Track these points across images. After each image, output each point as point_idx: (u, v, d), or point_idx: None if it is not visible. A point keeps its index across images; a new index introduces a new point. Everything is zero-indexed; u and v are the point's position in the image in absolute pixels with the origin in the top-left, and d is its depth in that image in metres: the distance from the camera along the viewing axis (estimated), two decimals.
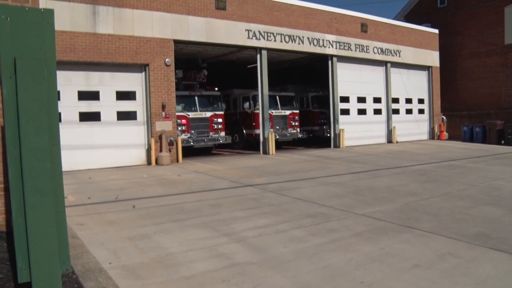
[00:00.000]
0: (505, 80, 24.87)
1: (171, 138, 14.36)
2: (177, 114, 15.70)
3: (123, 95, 13.99)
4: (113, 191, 9.63)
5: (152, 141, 13.96)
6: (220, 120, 17.82)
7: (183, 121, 16.68)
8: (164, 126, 14.23)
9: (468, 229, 6.40)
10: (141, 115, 14.23)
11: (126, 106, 14.02)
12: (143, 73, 14.22)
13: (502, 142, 21.94)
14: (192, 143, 16.71)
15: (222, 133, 17.94)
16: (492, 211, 7.57)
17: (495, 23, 24.99)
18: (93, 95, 13.51)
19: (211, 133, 17.51)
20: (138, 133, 14.15)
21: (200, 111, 17.39)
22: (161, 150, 14.11)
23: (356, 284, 4.35)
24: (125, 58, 13.66)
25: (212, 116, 17.61)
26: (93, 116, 13.48)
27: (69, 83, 12.94)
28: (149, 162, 14.09)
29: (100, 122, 13.56)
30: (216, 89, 18.75)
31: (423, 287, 4.29)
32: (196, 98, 17.48)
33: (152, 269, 4.77)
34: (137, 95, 14.20)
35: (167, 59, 14.34)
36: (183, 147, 15.71)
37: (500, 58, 24.96)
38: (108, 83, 13.70)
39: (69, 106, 12.94)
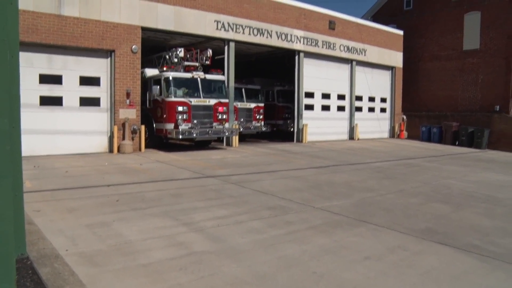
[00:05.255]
0: (462, 84, 25.86)
1: (135, 127, 14.21)
2: (177, 100, 14.54)
3: (87, 81, 13.71)
4: (73, 178, 9.51)
5: (115, 128, 13.78)
6: (225, 109, 15.89)
7: (184, 108, 14.72)
8: (128, 114, 14.06)
9: (418, 224, 6.73)
10: (104, 102, 14.01)
11: (89, 92, 13.76)
12: (109, 59, 13.98)
13: (457, 143, 22.89)
14: (194, 135, 14.65)
15: (227, 124, 16.12)
16: (441, 208, 7.97)
17: (455, 29, 25.91)
18: (56, 79, 13.18)
19: (214, 124, 15.48)
20: (101, 120, 13.93)
21: (204, 97, 15.37)
22: (123, 138, 13.96)
23: (309, 274, 4.54)
24: (91, 43, 13.39)
25: (216, 104, 15.64)
26: (54, 101, 13.17)
27: (30, 65, 12.58)
28: (111, 150, 13.91)
29: (62, 107, 13.27)
30: (220, 72, 16.73)
31: (372, 278, 4.53)
32: (199, 82, 15.32)
33: (110, 257, 4.80)
34: (102, 81, 13.95)
35: (133, 46, 14.16)
36: (185, 139, 14.88)
37: (458, 63, 25.92)
38: (71, 68, 13.40)
39: (29, 89, 12.55)
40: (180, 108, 14.50)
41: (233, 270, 4.56)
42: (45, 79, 12.97)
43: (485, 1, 24.71)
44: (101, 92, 13.95)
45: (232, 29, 17.07)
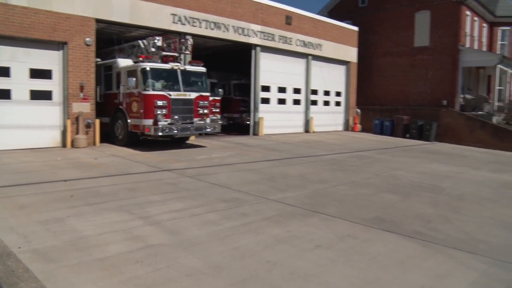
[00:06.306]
0: (412, 79, 26.90)
1: (89, 120, 13.91)
2: (156, 93, 13.37)
3: (37, 73, 13.26)
4: (24, 174, 9.27)
5: (69, 122, 13.46)
6: (206, 103, 14.74)
7: (163, 102, 13.48)
8: (81, 107, 13.76)
9: (367, 213, 7.07)
10: (57, 95, 13.62)
11: (41, 85, 13.32)
12: (61, 51, 13.58)
13: (407, 135, 23.84)
14: (175, 131, 13.62)
15: (208, 119, 14.84)
16: (390, 198, 8.39)
17: (407, 27, 26.91)
18: (3, 71, 12.67)
19: (195, 119, 14.31)
20: (54, 114, 13.54)
21: (184, 90, 14.16)
22: (77, 133, 13.66)
23: (263, 263, 4.73)
24: (41, 34, 12.98)
25: (197, 97, 14.42)
26: (2, 94, 12.65)
27: None
28: (64, 145, 13.58)
29: (10, 101, 12.78)
30: (201, 64, 15.34)
31: (322, 265, 4.77)
32: (179, 73, 14.14)
33: (65, 252, 4.80)
34: (54, 74, 13.54)
35: (87, 39, 13.82)
36: (164, 136, 13.88)
37: (409, 59, 26.95)
38: (21, 60, 12.93)
39: None
40: (159, 102, 13.34)
41: (189, 262, 4.68)
42: None
43: (434, 1, 25.75)
44: (53, 85, 13.56)
45: (189, 23, 16.98)
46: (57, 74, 13.58)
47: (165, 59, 14.38)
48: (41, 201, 6.99)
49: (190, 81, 14.60)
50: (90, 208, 6.63)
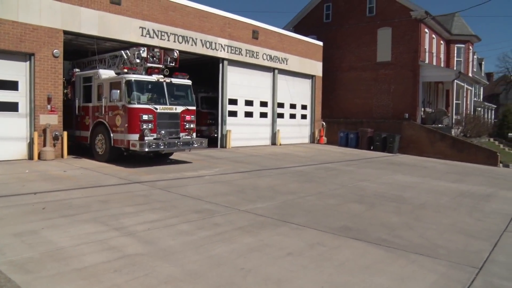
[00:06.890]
0: (376, 93, 27.87)
1: (57, 133, 13.77)
2: (142, 107, 12.86)
3: (3, 84, 13.03)
4: None
5: (35, 134, 13.28)
6: (192, 117, 14.32)
7: (149, 116, 12.95)
8: (49, 119, 13.60)
9: (335, 223, 7.39)
10: (23, 107, 13.44)
11: (6, 96, 13.10)
12: (28, 62, 13.45)
13: (372, 148, 24.57)
14: (162, 147, 12.99)
15: (194, 134, 14.47)
16: (356, 207, 8.76)
17: (369, 42, 27.94)
18: None
19: (181, 134, 13.90)
20: (20, 126, 13.33)
21: (170, 104, 13.70)
22: (45, 145, 13.49)
23: (237, 271, 4.93)
24: (7, 45, 12.82)
25: (183, 111, 14.00)
26: None
27: None
28: (31, 157, 13.37)
29: None
30: (186, 76, 14.77)
31: (294, 271, 5.02)
32: (164, 86, 13.63)
33: (43, 263, 4.86)
34: (20, 86, 13.36)
35: (55, 50, 13.73)
36: (151, 152, 13.18)
37: (373, 73, 27.94)
38: None
39: None
40: (145, 117, 12.78)
41: (166, 270, 4.83)
42: None
43: (394, 18, 26.88)
44: (20, 96, 13.37)
45: (157, 36, 17.12)
46: (23, 85, 13.42)
47: (149, 71, 13.93)
48: (12, 214, 6.95)
49: (175, 94, 14.13)
50: (64, 220, 6.66)
